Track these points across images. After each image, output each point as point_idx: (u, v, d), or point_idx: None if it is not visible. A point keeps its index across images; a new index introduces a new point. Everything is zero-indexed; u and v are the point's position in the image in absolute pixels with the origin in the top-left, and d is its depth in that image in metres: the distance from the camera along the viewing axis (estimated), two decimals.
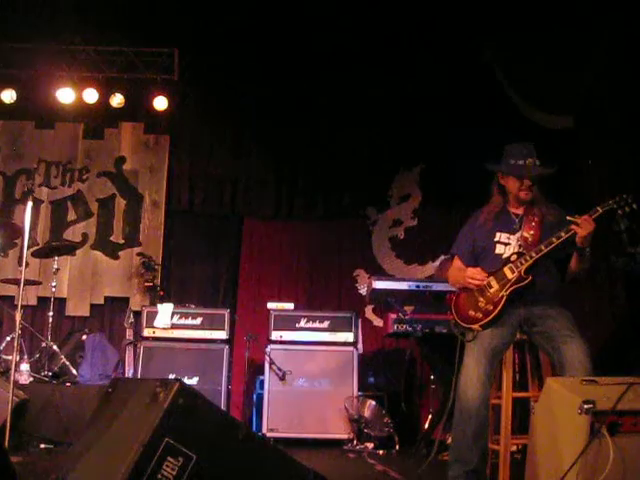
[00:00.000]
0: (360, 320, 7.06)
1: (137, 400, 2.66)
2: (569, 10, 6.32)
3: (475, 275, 3.82)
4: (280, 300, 7.31)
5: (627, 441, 2.76)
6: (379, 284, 6.50)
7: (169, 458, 2.43)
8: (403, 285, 6.49)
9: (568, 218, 3.68)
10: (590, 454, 2.72)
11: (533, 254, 3.74)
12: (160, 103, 8.00)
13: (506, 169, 3.95)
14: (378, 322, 7.88)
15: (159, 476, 2.41)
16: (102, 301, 8.04)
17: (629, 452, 2.75)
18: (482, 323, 3.76)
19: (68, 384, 6.24)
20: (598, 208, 3.67)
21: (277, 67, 7.76)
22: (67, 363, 6.62)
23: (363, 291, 7.82)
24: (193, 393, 2.54)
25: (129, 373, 6.43)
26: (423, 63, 7.55)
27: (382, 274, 7.81)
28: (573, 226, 3.63)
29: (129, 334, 6.58)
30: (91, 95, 7.91)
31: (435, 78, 7.68)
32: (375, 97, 7.85)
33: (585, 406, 2.75)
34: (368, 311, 7.98)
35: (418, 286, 6.45)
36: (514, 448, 4.77)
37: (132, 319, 6.63)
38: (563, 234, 3.68)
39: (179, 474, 2.44)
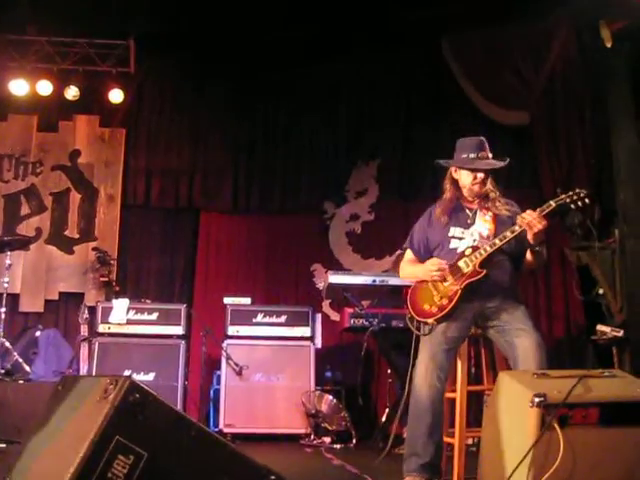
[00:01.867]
0: (320, 315, 7.08)
1: (87, 397, 2.62)
2: (526, 8, 6.40)
3: (440, 266, 3.82)
4: (237, 295, 7.24)
5: (577, 433, 2.80)
6: (335, 278, 6.50)
7: (120, 456, 2.39)
8: (359, 279, 6.51)
9: (518, 218, 3.69)
10: (541, 447, 2.75)
11: (488, 248, 3.75)
12: (116, 96, 7.84)
13: (459, 163, 3.97)
14: (335, 317, 7.86)
15: (109, 475, 2.37)
16: (57, 297, 7.87)
17: (579, 444, 2.79)
18: (437, 317, 3.78)
19: (21, 381, 6.14)
20: (551, 202, 3.67)
21: (234, 59, 7.70)
22: (20, 360, 6.51)
23: (320, 286, 7.82)
24: (144, 390, 2.50)
25: (84, 370, 6.33)
26: (380, 56, 7.57)
27: (339, 268, 7.80)
28: (523, 224, 3.64)
29: (84, 330, 6.47)
30: (45, 87, 7.71)
31: (392, 72, 7.72)
32: (331, 90, 7.86)
33: (536, 399, 2.78)
34: (325, 306, 7.97)
35: (374, 280, 6.47)
36: (469, 441, 4.83)
37: (87, 315, 6.52)
38: (517, 228, 3.69)
39: (130, 472, 2.41)
